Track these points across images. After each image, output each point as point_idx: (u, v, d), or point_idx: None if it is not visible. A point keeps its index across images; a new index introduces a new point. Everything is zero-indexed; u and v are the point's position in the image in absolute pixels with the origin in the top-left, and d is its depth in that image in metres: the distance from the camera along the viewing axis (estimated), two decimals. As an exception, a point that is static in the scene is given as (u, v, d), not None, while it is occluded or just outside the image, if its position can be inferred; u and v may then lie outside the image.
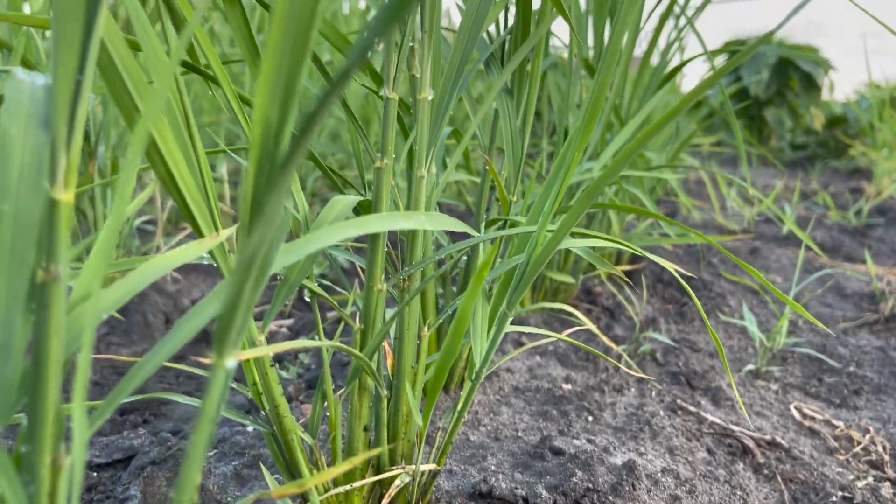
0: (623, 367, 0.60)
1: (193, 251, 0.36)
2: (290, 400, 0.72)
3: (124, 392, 0.28)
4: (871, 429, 0.82)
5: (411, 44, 0.45)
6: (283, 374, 0.82)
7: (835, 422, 0.84)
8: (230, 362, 0.25)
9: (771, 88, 3.79)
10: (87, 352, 0.26)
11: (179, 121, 0.35)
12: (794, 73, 3.79)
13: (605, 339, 0.67)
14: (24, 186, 0.26)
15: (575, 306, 1.06)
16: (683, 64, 1.02)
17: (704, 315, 0.50)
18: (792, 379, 0.95)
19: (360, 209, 0.47)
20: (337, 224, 0.36)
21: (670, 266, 0.59)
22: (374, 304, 0.47)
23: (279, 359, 0.89)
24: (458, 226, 0.45)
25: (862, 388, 0.92)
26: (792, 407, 0.86)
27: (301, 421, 0.65)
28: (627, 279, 0.68)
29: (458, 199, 1.10)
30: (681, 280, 0.51)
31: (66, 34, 0.26)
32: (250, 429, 0.67)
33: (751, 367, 0.94)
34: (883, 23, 0.54)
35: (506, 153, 0.65)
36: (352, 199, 0.45)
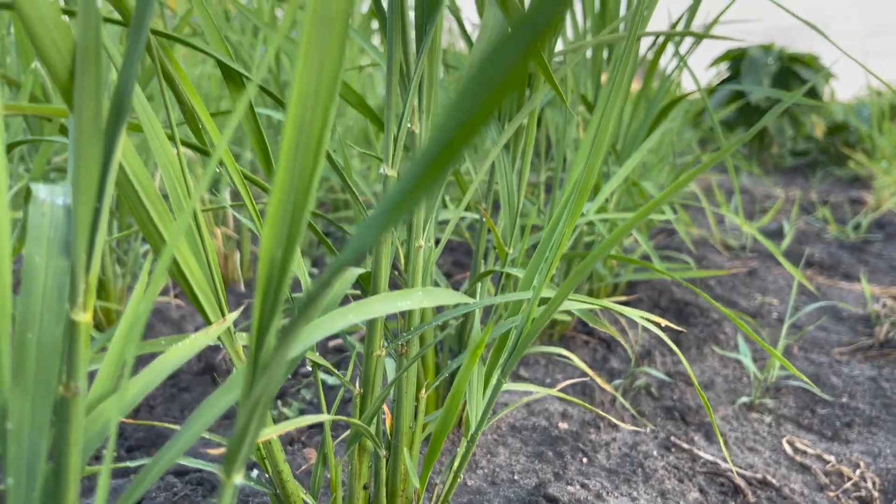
0: (618, 401, 0.62)
1: (202, 340, 0.38)
2: (291, 442, 0.74)
3: (133, 497, 0.30)
4: (861, 463, 0.84)
5: (409, 125, 0.47)
6: (286, 411, 0.84)
7: (826, 456, 0.85)
8: (238, 480, 0.27)
9: (772, 97, 3.81)
10: (108, 463, 0.28)
11: (191, 223, 0.37)
12: (794, 81, 3.81)
13: (599, 381, 0.69)
14: (48, 312, 0.28)
15: (572, 338, 1.08)
16: (680, 99, 1.03)
17: (689, 369, 0.52)
18: (785, 410, 0.97)
19: (360, 279, 0.49)
20: (338, 311, 0.38)
21: (658, 323, 0.61)
22: (373, 369, 0.49)
23: (282, 393, 0.91)
24: (455, 298, 0.47)
25: (854, 421, 0.94)
26: (784, 441, 0.88)
27: (303, 468, 0.67)
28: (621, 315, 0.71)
29: (457, 233, 1.12)
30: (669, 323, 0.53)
31: (86, 165, 0.28)
32: (254, 475, 0.69)
33: (745, 399, 0.96)
34: None
35: (502, 205, 0.67)
36: (353, 271, 0.47)
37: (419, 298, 0.43)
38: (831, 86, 3.97)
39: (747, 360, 0.96)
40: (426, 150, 0.17)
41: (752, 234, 1.74)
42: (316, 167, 0.26)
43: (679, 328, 0.60)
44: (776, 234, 2.22)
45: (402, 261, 0.51)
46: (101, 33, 0.28)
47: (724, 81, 4.08)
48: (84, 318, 0.29)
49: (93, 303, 0.29)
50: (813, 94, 3.83)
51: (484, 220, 0.70)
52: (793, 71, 3.82)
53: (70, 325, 0.28)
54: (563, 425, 0.80)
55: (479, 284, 0.63)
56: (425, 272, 0.52)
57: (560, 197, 0.72)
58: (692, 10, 1.09)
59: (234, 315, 0.40)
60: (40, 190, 0.31)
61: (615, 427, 0.86)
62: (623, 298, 1.13)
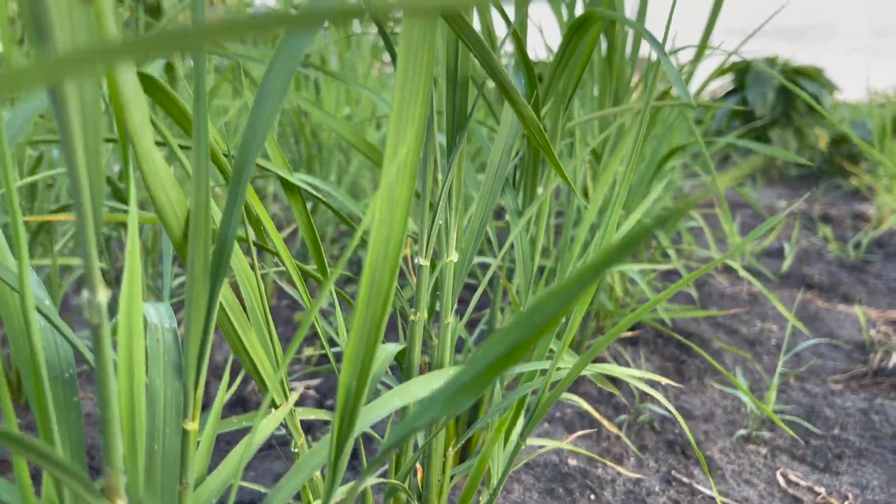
0: (623, 438, 0.69)
1: (272, 423, 0.45)
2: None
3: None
4: (850, 495, 0.91)
5: (440, 222, 0.54)
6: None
7: (817, 488, 0.92)
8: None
9: (776, 110, 3.86)
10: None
11: (262, 325, 0.44)
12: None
13: (606, 423, 0.76)
14: (169, 427, 0.35)
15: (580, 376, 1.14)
16: (681, 147, 1.10)
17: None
18: (781, 441, 1.03)
19: (397, 355, 0.56)
20: (384, 398, 0.45)
21: (658, 381, 0.68)
22: (407, 431, 0.56)
23: (308, 427, 0.98)
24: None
25: (844, 453, 1.00)
26: (778, 473, 0.95)
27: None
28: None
29: (474, 277, 1.19)
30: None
31: (196, 306, 0.35)
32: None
33: (742, 431, 1.02)
34: None
35: (517, 267, 0.74)
36: (391, 348, 0.54)
37: (450, 376, 0.50)
38: (834, 97, 4.02)
39: (745, 397, 1.02)
40: (480, 361, 0.24)
41: (754, 264, 1.80)
42: (384, 315, 0.33)
43: (678, 385, 0.67)
44: (778, 254, 2.28)
45: (432, 337, 0.58)
46: (210, 200, 0.35)
47: (728, 93, 4.14)
48: (193, 426, 0.36)
49: (199, 413, 0.36)
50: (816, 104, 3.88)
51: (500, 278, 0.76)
52: (797, 84, 3.87)
53: (182, 433, 0.35)
54: (572, 462, 0.87)
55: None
56: (452, 342, 0.59)
57: (570, 256, 0.79)
58: (707, 32, 1.15)
59: (295, 397, 0.47)
60: (150, 313, 0.38)
61: (620, 461, 0.92)
62: (629, 334, 1.20)
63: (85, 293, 0.26)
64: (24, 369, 0.35)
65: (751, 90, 3.88)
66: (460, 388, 0.25)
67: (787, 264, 2.02)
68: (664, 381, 0.67)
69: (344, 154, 1.66)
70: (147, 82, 0.37)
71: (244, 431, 0.96)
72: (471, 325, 1.28)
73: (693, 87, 1.25)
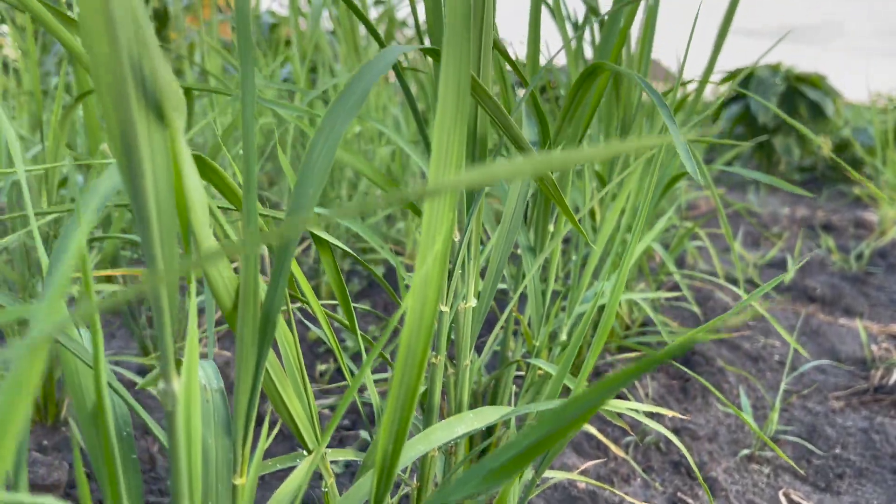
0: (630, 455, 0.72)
1: (306, 467, 0.48)
2: None
3: None
4: (850, 515, 0.94)
5: (460, 271, 0.57)
6: (347, 494, 0.94)
7: (818, 508, 0.95)
8: None
9: (779, 117, 3.88)
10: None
11: (298, 378, 0.47)
12: (801, 102, 3.88)
13: (613, 447, 0.79)
14: (221, 483, 0.38)
15: (588, 391, 1.18)
16: (682, 175, 1.13)
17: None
18: (783, 461, 1.06)
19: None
20: (409, 444, 0.49)
21: (663, 414, 0.71)
22: (427, 468, 0.60)
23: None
24: (497, 413, 0.57)
25: (845, 472, 1.03)
26: (781, 493, 0.98)
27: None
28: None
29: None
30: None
31: (244, 372, 0.38)
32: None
33: (746, 451, 1.06)
34: None
35: (528, 303, 0.77)
36: (413, 390, 0.57)
37: (471, 420, 0.54)
38: (837, 105, 4.04)
39: (748, 417, 1.05)
40: (508, 451, 0.28)
41: (755, 279, 1.82)
42: (413, 398, 0.36)
43: (682, 416, 0.70)
44: (781, 265, 2.30)
45: (452, 380, 0.61)
46: (258, 278, 0.38)
47: (731, 100, 4.16)
48: (241, 481, 0.39)
49: (246, 468, 0.39)
50: (819, 113, 3.90)
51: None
52: (799, 91, 3.90)
53: (233, 487, 0.39)
54: (581, 484, 0.90)
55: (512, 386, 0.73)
56: (469, 383, 0.62)
57: (579, 290, 0.82)
58: (715, 51, 1.18)
59: (326, 440, 0.51)
60: (199, 374, 0.42)
61: (627, 481, 0.96)
62: (633, 355, 1.23)
63: (161, 384, 0.29)
64: (87, 428, 0.39)
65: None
66: (490, 473, 0.28)
67: (789, 277, 2.05)
68: (669, 413, 0.70)
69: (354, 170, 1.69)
70: (200, 163, 0.40)
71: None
72: (480, 347, 1.31)
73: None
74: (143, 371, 1.22)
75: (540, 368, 0.87)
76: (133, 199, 0.29)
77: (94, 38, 0.25)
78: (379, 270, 1.80)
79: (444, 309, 0.57)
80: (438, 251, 0.33)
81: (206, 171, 0.42)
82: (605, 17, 0.96)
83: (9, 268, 0.95)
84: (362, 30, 2.54)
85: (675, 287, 1.85)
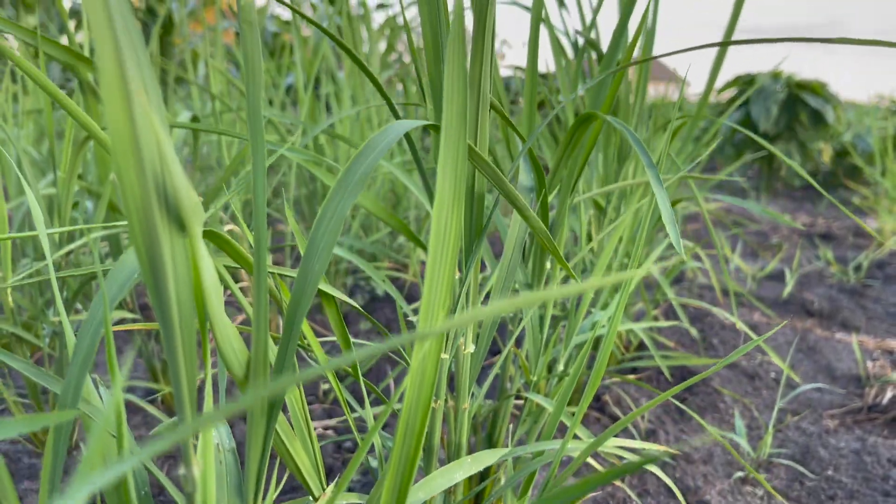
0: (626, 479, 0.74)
1: (313, 516, 0.51)
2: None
3: None
4: (841, 538, 0.96)
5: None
6: None
7: (810, 531, 0.97)
8: None
9: (780, 124, 3.90)
10: None
11: (304, 432, 0.50)
12: (802, 109, 3.90)
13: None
14: (232, 544, 0.41)
15: (585, 415, 1.20)
16: (679, 200, 1.15)
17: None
18: (777, 482, 1.09)
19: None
20: (411, 490, 0.51)
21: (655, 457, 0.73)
22: (429, 506, 0.62)
23: (329, 469, 1.04)
24: (496, 456, 0.59)
25: (836, 494, 1.06)
26: (773, 516, 1.00)
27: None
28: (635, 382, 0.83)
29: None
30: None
31: (254, 441, 0.41)
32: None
33: (740, 474, 1.08)
34: None
35: (526, 337, 0.80)
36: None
37: (469, 466, 0.56)
38: (838, 112, 4.05)
39: (742, 440, 1.08)
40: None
41: (758, 298, 1.84)
42: (415, 460, 0.38)
43: (672, 460, 0.72)
44: (780, 277, 2.32)
45: (451, 421, 0.64)
46: (269, 351, 0.41)
47: (731, 103, 4.17)
48: (253, 539, 0.42)
49: (257, 527, 0.42)
50: (820, 120, 3.92)
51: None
52: (800, 98, 3.92)
53: (244, 545, 0.41)
54: (579, 510, 0.93)
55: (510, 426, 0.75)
56: (468, 426, 0.64)
57: (576, 319, 0.84)
58: (718, 61, 1.20)
59: (331, 488, 0.53)
60: (213, 434, 0.44)
61: (624, 505, 0.98)
62: (632, 377, 1.25)
63: (182, 469, 0.32)
64: (108, 493, 0.41)
65: (754, 105, 3.92)
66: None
67: (787, 291, 2.07)
68: (663, 449, 0.73)
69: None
70: (214, 237, 0.43)
71: None
72: (483, 370, 1.34)
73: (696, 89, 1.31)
74: (149, 393, 1.25)
75: (540, 392, 0.90)
76: (156, 299, 0.32)
77: (122, 168, 0.28)
78: (389, 284, 1.83)
79: (445, 356, 0.60)
80: (432, 348, 0.36)
81: (220, 242, 0.44)
82: (603, 52, 0.99)
83: (20, 294, 0.98)
84: (363, 30, 2.57)
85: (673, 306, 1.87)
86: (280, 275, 0.54)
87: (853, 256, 2.63)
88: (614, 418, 1.20)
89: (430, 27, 0.57)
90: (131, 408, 1.17)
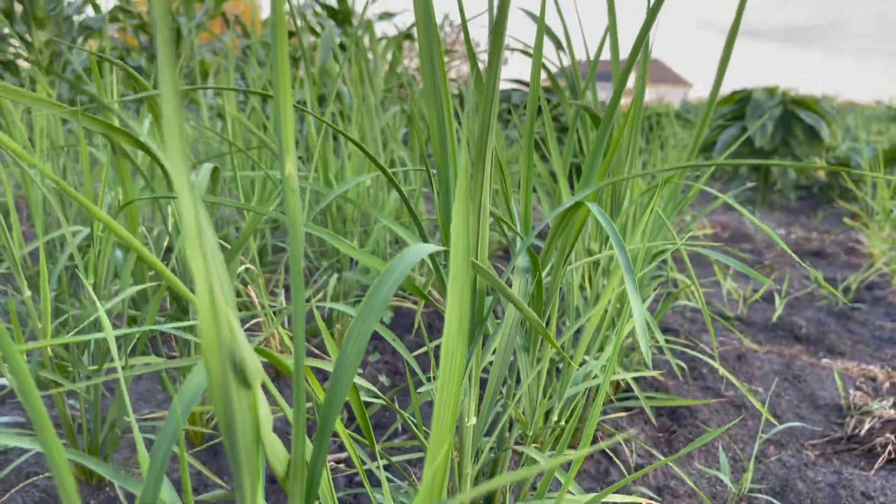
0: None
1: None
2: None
3: None
4: (813, 570, 1.05)
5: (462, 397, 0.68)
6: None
7: (785, 563, 1.06)
8: None
9: (776, 139, 3.98)
10: None
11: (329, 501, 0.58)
12: (797, 125, 3.98)
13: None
14: None
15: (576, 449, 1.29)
16: (662, 252, 1.24)
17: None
18: (757, 514, 1.17)
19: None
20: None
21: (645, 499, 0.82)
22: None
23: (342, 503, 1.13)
24: (496, 484, 0.68)
25: (812, 527, 1.14)
26: (752, 549, 1.09)
27: None
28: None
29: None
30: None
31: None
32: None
33: (722, 507, 1.16)
34: None
35: (522, 392, 0.88)
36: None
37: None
38: (832, 127, 4.13)
39: (725, 476, 1.16)
40: None
41: (749, 322, 1.92)
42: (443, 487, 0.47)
43: (658, 496, 0.80)
44: (771, 299, 2.40)
45: (456, 479, 0.72)
46: (304, 457, 0.49)
47: (728, 122, 4.26)
48: None
49: None
50: (815, 135, 4.00)
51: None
52: (795, 114, 3.99)
53: None
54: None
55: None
56: (470, 483, 0.73)
57: (571, 370, 0.93)
58: (721, 68, 1.28)
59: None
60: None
61: (613, 539, 1.07)
62: (623, 414, 1.34)
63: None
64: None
65: (750, 120, 4.00)
66: None
67: (776, 315, 2.15)
68: (645, 501, 0.81)
69: (365, 218, 1.80)
70: (263, 353, 0.51)
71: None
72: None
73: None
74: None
75: (536, 441, 0.99)
76: (227, 440, 0.40)
77: (208, 351, 0.36)
78: (387, 315, 1.91)
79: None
80: (440, 466, 0.44)
81: (268, 356, 0.53)
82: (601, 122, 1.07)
83: (64, 349, 1.07)
84: (364, 31, 2.64)
85: (671, 329, 1.96)
86: (313, 368, 0.63)
87: (843, 277, 2.71)
88: (606, 454, 1.28)
89: (438, 123, 0.65)
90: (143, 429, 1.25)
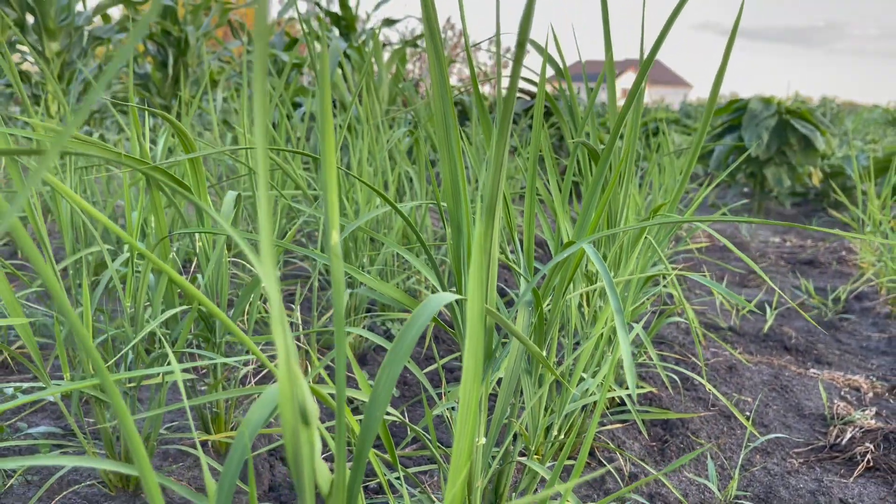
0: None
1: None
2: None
3: None
4: (792, 571, 1.14)
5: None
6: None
7: (766, 565, 1.15)
8: None
9: (771, 149, 4.07)
10: None
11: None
12: (792, 135, 4.07)
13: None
14: None
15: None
16: (650, 277, 1.33)
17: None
18: (742, 519, 1.27)
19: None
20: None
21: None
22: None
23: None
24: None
25: (792, 531, 1.23)
26: (736, 551, 1.18)
27: None
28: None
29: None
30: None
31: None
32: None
33: (710, 513, 1.26)
34: None
35: (525, 411, 0.97)
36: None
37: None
38: (827, 137, 4.22)
39: (713, 484, 1.26)
40: None
41: (742, 332, 2.00)
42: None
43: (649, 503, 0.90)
44: (764, 309, 2.50)
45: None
46: (345, 480, 0.58)
47: (724, 132, 4.35)
48: None
49: None
50: (809, 145, 4.09)
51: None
52: (790, 124, 4.09)
53: None
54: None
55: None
56: (479, 495, 0.82)
57: (568, 394, 1.02)
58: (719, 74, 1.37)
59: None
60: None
61: (609, 542, 1.16)
62: (618, 426, 1.43)
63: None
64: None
65: (746, 130, 4.10)
66: None
67: (767, 326, 2.25)
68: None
69: (374, 243, 1.90)
70: (314, 392, 0.61)
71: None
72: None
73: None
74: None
75: (538, 453, 1.08)
76: (293, 466, 0.50)
77: (284, 402, 0.46)
78: (396, 327, 2.01)
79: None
80: (457, 494, 0.54)
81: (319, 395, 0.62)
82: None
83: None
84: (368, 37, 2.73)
85: (663, 342, 2.05)
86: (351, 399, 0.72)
87: (834, 287, 2.81)
88: (602, 464, 1.37)
89: (451, 176, 0.74)
90: (169, 454, 1.34)
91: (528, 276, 0.86)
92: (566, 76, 1.50)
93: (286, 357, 0.42)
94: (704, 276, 2.71)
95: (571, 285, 1.14)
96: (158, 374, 1.16)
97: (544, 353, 0.98)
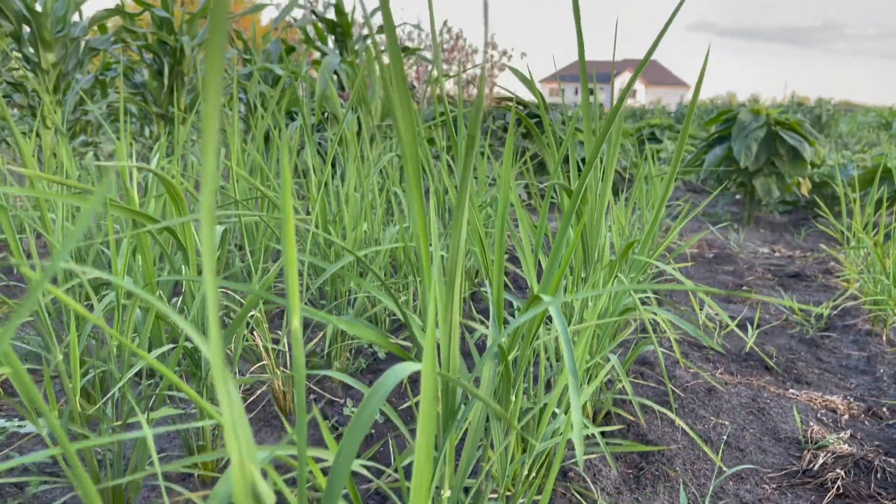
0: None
1: None
2: None
3: None
4: None
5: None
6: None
7: None
8: None
9: (760, 159, 4.11)
10: None
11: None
12: (781, 145, 4.11)
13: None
14: None
15: (552, 489, 1.42)
16: (627, 310, 1.37)
17: None
18: (712, 548, 1.31)
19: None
20: None
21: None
22: None
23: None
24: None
25: (760, 560, 1.27)
26: (704, 582, 1.22)
27: None
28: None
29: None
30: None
31: None
32: None
33: (681, 542, 1.30)
34: None
35: (495, 453, 1.01)
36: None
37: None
38: (816, 147, 4.26)
39: (682, 514, 1.30)
40: None
41: (724, 351, 2.04)
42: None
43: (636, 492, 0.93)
44: (748, 324, 2.53)
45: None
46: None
47: (714, 142, 4.39)
48: None
49: None
50: (798, 156, 4.13)
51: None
52: (779, 135, 4.12)
53: None
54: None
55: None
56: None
57: (543, 424, 1.06)
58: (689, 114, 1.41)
59: None
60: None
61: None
62: (594, 455, 1.47)
63: None
64: None
65: (736, 141, 4.13)
66: None
67: (749, 345, 2.29)
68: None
69: (359, 270, 1.94)
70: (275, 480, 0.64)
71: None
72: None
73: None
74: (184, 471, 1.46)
75: (510, 491, 1.12)
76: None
77: (238, 496, 0.49)
78: (382, 352, 2.05)
79: (445, 494, 0.82)
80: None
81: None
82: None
83: (84, 400, 1.20)
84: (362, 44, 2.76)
85: (646, 362, 2.09)
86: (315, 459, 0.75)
87: (819, 302, 2.84)
88: (579, 492, 1.41)
89: (425, 252, 0.78)
90: (167, 476, 1.38)
91: (498, 325, 0.90)
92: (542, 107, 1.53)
93: (240, 463, 0.46)
94: (681, 312, 2.74)
95: (541, 328, 1.18)
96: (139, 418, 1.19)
97: (513, 398, 1.02)
